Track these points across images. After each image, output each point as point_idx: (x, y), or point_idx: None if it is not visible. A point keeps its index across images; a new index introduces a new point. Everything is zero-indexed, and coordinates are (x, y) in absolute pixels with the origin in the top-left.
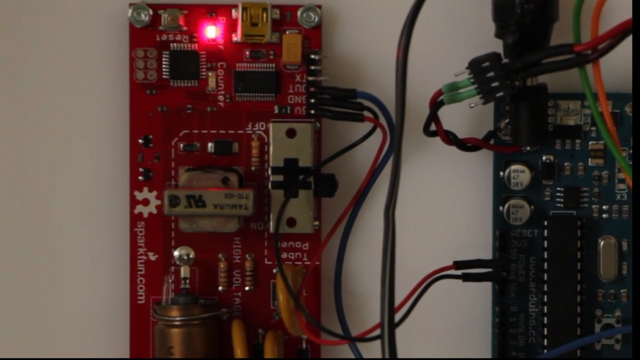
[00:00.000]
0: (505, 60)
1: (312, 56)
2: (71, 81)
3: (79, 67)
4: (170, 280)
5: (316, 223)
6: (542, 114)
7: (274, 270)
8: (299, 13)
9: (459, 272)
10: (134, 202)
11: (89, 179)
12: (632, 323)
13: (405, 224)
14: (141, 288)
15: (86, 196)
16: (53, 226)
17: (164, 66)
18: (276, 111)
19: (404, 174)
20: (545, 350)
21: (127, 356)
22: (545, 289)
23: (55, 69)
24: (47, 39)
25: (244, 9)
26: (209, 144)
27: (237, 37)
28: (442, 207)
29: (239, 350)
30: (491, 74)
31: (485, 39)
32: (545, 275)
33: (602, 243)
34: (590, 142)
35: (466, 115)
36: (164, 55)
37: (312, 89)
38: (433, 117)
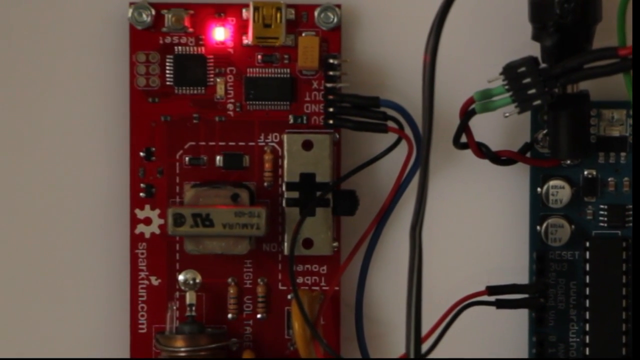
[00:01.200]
0: (543, 65)
1: (331, 60)
2: (65, 88)
3: (73, 72)
4: (174, 307)
5: (335, 244)
6: (584, 124)
7: (289, 296)
8: (316, 13)
9: (492, 298)
10: (134, 221)
11: (85, 195)
12: (632, 323)
13: (433, 245)
14: (142, 316)
15: (82, 214)
16: (46, 246)
17: (167, 72)
18: (291, 121)
19: (431, 190)
20: None
21: None
22: (587, 316)
23: (47, 74)
24: (38, 41)
25: (256, 8)
26: (217, 157)
27: (248, 40)
28: (474, 226)
29: None
30: (528, 80)
31: (521, 42)
32: (587, 302)
33: None
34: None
35: (500, 126)
36: (167, 60)
37: (330, 97)
38: (464, 127)
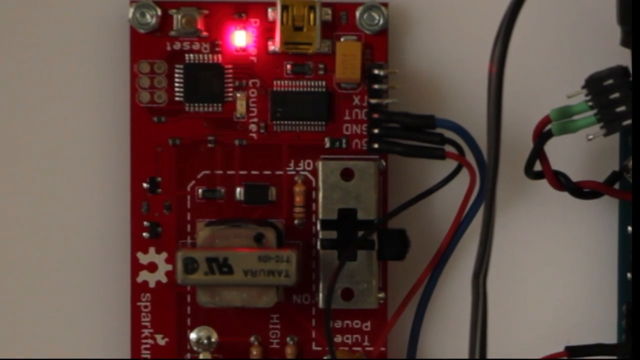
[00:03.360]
0: None
1: (376, 71)
2: (51, 106)
3: (61, 86)
4: None
5: (381, 295)
6: None
7: (325, 359)
8: (357, 13)
9: None
10: (136, 267)
11: (78, 235)
12: (632, 323)
13: (500, 296)
14: None
15: (74, 259)
16: (33, 304)
17: (176, 85)
18: (327, 145)
19: (498, 229)
20: None
21: None
22: None
23: (29, 89)
24: (21, 47)
25: (285, 7)
26: (238, 189)
27: (274, 46)
28: (550, 273)
29: None
30: (616, 95)
31: (607, 49)
32: None
33: None
34: None
35: (582, 151)
36: (176, 70)
37: (375, 116)
38: (538, 153)
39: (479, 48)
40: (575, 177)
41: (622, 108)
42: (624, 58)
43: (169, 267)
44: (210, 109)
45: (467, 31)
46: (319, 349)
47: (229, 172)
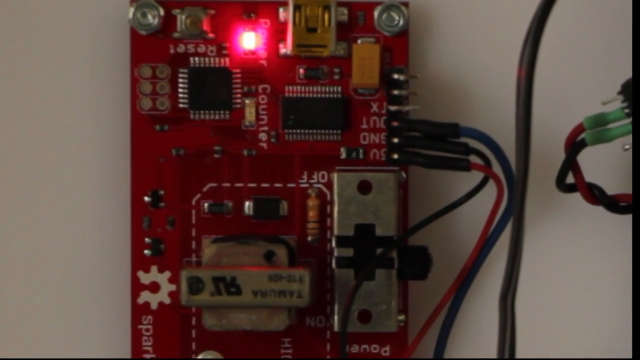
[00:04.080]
0: None
1: (396, 76)
2: (46, 113)
3: (56, 92)
4: None
5: (401, 317)
6: None
7: None
8: (376, 14)
9: None
10: (137, 287)
11: (75, 254)
12: (632, 323)
13: (529, 319)
14: None
15: (70, 280)
16: (29, 329)
17: (180, 90)
18: (343, 155)
19: (528, 246)
20: None
21: None
22: None
23: (24, 96)
24: (11, 52)
25: (297, 7)
26: (246, 203)
27: (286, 49)
28: (583, 293)
29: None
30: None
31: None
32: None
33: None
34: None
35: (618, 162)
36: (180, 75)
37: (395, 124)
38: (571, 164)
39: (506, 51)
40: (610, 190)
41: None
42: None
43: (173, 287)
44: (217, 117)
45: (494, 32)
46: None
47: (237, 185)
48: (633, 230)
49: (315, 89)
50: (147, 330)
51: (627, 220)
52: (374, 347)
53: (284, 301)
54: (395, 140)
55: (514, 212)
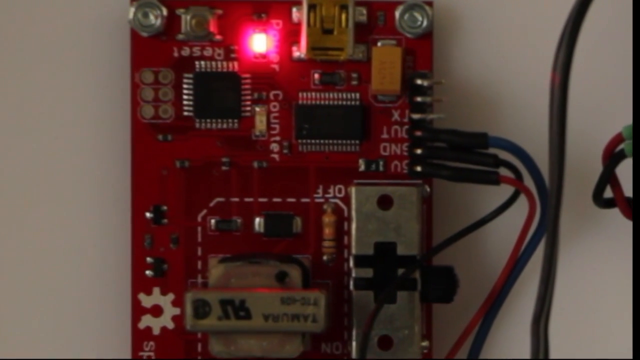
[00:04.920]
0: None
1: (419, 81)
2: (40, 122)
3: (51, 98)
4: None
5: (425, 344)
6: None
7: None
8: (397, 14)
9: None
10: (138, 310)
11: (71, 274)
12: (633, 324)
13: (564, 345)
14: None
15: (67, 303)
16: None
17: (185, 97)
18: (362, 168)
19: (562, 266)
20: None
21: None
22: None
23: (17, 105)
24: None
25: (312, 7)
26: (257, 220)
27: (300, 52)
28: (623, 318)
29: None
30: None
31: None
32: None
33: None
34: None
35: None
36: (185, 80)
37: (418, 133)
38: (609, 176)
39: (539, 54)
40: None
41: None
42: None
43: (177, 311)
44: (225, 126)
45: (525, 34)
46: None
47: (247, 200)
48: (633, 230)
49: (331, 95)
50: (149, 357)
51: None
52: None
53: (298, 326)
54: (419, 151)
55: (547, 229)
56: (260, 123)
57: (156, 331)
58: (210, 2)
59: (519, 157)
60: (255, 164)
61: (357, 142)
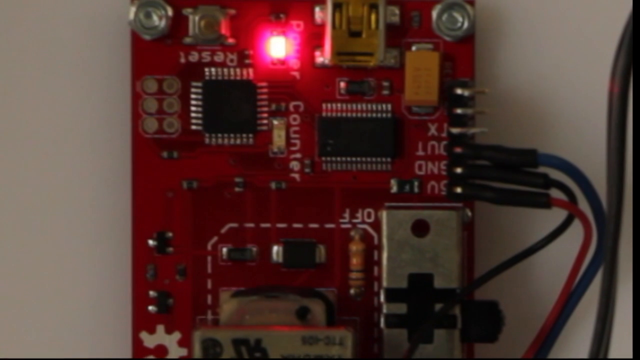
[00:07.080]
0: None
1: (459, 91)
2: (31, 137)
3: (43, 109)
4: None
5: None
6: None
7: None
8: (434, 14)
9: None
10: (139, 351)
11: (65, 311)
12: (633, 324)
13: None
14: None
15: (62, 344)
16: None
17: (193, 109)
18: (394, 189)
19: (621, 300)
20: None
21: None
22: None
23: (7, 116)
24: None
25: (337, 6)
26: (275, 248)
27: (324, 58)
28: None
29: None
30: None
31: None
32: None
33: None
34: None
35: None
36: (193, 89)
37: (458, 150)
38: None
39: (597, 59)
40: None
41: None
42: None
43: (183, 352)
44: (238, 141)
45: (579, 37)
46: None
47: (263, 225)
48: (634, 230)
49: (359, 107)
50: None
51: None
52: None
53: None
54: (459, 170)
55: (604, 258)
56: (278, 138)
57: None
58: (221, 1)
59: (572, 177)
60: (273, 185)
61: (389, 160)
